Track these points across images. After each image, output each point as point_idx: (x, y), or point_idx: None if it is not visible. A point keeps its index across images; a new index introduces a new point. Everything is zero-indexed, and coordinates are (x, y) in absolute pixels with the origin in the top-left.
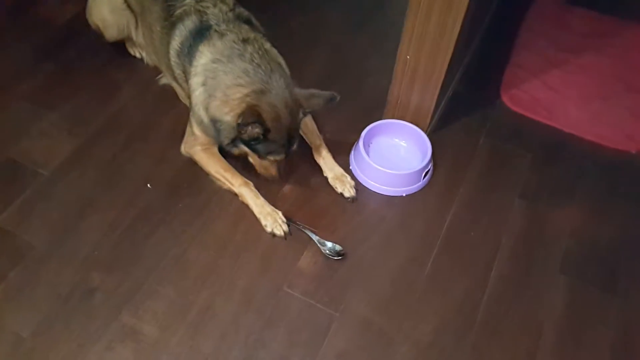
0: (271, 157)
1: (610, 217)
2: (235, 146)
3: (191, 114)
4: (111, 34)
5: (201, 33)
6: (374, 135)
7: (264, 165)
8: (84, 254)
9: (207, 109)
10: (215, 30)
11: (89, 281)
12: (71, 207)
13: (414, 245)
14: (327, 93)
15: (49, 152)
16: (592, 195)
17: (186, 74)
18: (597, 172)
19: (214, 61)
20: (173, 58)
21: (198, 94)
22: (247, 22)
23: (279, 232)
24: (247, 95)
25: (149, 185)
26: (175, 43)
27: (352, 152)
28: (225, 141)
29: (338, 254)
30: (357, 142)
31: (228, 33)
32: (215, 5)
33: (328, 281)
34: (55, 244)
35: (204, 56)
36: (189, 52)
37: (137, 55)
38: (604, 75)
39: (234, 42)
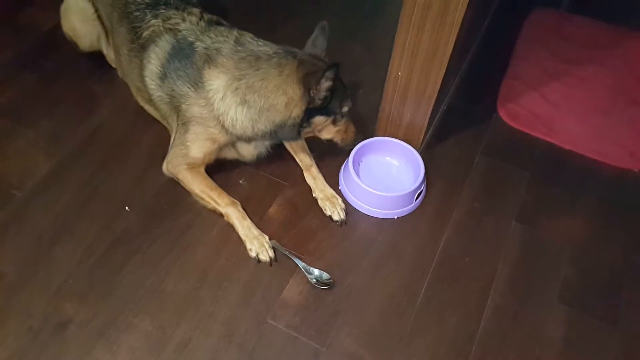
0: (345, 108)
1: (611, 241)
2: (307, 127)
3: (185, 134)
4: (84, 44)
5: (182, 52)
6: (364, 154)
7: (341, 130)
8: (58, 283)
9: (261, 121)
10: (205, 48)
11: (62, 313)
12: (45, 231)
13: (405, 272)
14: (316, 30)
15: (24, 172)
16: (592, 218)
17: (177, 97)
18: (598, 192)
19: (238, 77)
20: (152, 81)
21: (236, 114)
22: (219, 23)
23: (265, 257)
24: (296, 76)
25: (127, 207)
26: (153, 66)
27: (341, 171)
28: (298, 131)
29: (325, 282)
30: (347, 161)
31: (219, 45)
32: (184, 20)
33: (314, 312)
34: (27, 272)
35: (218, 78)
36: (180, 76)
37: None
38: (604, 88)
39: (234, 50)
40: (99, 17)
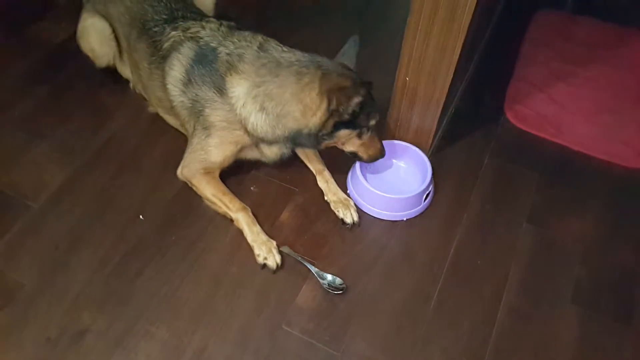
0: (373, 121)
1: (623, 240)
2: (329, 139)
3: (206, 138)
4: (102, 63)
5: (206, 57)
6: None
7: (366, 143)
8: (75, 293)
9: (279, 127)
10: (228, 54)
11: (80, 322)
12: (62, 241)
13: (418, 276)
14: (347, 42)
15: (39, 184)
16: (602, 217)
17: (201, 102)
18: (607, 192)
19: (257, 84)
20: (175, 87)
21: (256, 120)
22: (240, 29)
23: (271, 263)
24: (319, 87)
25: (141, 217)
26: (176, 72)
27: (349, 175)
28: (317, 141)
29: (338, 287)
30: (354, 165)
31: (242, 51)
32: (204, 28)
33: (328, 318)
34: (44, 282)
35: (240, 84)
36: (205, 82)
37: (127, 75)
38: (611, 87)
39: (256, 56)
40: (116, 38)
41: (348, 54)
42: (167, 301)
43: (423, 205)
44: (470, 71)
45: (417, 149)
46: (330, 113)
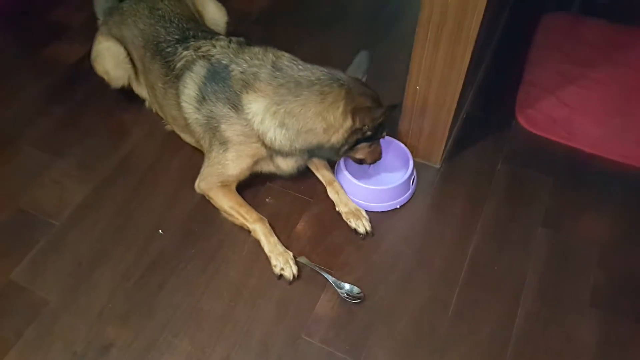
0: (385, 133)
1: (638, 242)
2: (350, 152)
3: (224, 152)
4: (116, 84)
5: (218, 75)
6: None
7: (372, 151)
8: (99, 308)
9: (298, 141)
10: (242, 72)
11: (104, 336)
12: (84, 257)
13: (435, 283)
14: (360, 54)
15: (60, 201)
16: (618, 219)
17: (216, 118)
18: (622, 194)
19: (277, 102)
20: (190, 105)
21: (275, 135)
22: (248, 44)
23: (288, 274)
24: (343, 106)
25: (160, 231)
26: (190, 90)
27: (335, 173)
28: (337, 154)
29: (356, 296)
30: (338, 163)
31: (256, 69)
32: (215, 46)
33: (347, 326)
34: (69, 298)
35: (256, 102)
36: (220, 99)
37: (144, 96)
38: (621, 88)
39: (273, 76)
40: (131, 60)
41: (361, 66)
42: (188, 313)
43: (412, 189)
44: (480, 76)
45: (391, 139)
46: (354, 130)
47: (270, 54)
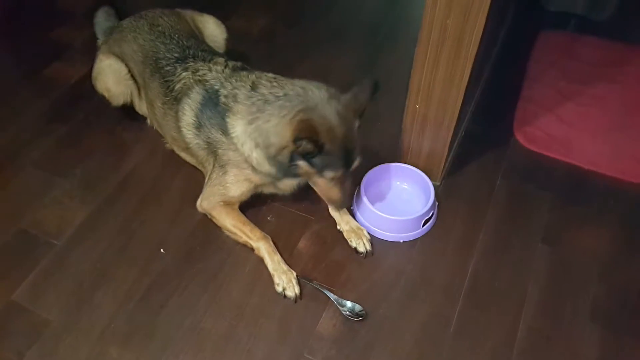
0: (330, 174)
1: (638, 256)
2: (295, 170)
3: (223, 175)
4: (117, 102)
5: (211, 101)
6: (375, 180)
7: (327, 188)
8: (101, 328)
9: (268, 157)
10: (225, 96)
11: (107, 357)
12: (86, 278)
13: (437, 300)
14: (365, 82)
15: (61, 221)
16: (617, 235)
17: (214, 143)
18: (621, 209)
19: (250, 122)
20: (189, 131)
21: (256, 156)
22: (243, 69)
23: (291, 293)
24: (295, 115)
25: (162, 250)
26: (188, 117)
27: (354, 197)
28: (285, 167)
29: (358, 314)
30: (359, 187)
31: (236, 91)
32: (211, 70)
33: (350, 345)
34: (71, 319)
35: (238, 124)
36: (213, 125)
37: (145, 112)
38: (618, 105)
39: (248, 96)
40: (132, 76)
41: (362, 94)
42: (191, 332)
43: (423, 229)
44: (478, 93)
45: (422, 174)
46: (294, 150)
47: (253, 75)
